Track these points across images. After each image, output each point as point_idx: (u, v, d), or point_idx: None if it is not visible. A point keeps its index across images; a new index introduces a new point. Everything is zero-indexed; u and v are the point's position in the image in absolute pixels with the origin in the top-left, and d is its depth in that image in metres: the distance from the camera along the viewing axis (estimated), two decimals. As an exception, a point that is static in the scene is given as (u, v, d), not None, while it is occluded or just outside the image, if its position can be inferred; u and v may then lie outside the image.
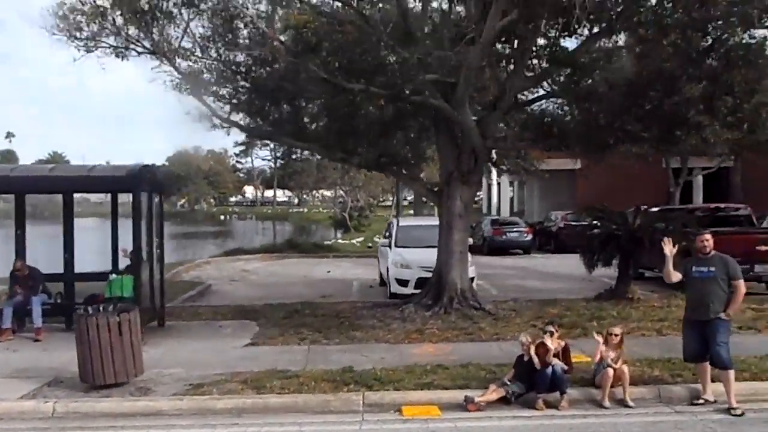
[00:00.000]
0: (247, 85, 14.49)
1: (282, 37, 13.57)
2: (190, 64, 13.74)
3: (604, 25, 11.76)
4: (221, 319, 14.74)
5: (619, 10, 10.76)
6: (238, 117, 15.36)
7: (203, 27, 13.93)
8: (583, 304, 15.38)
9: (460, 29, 13.39)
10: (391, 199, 58.60)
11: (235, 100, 14.76)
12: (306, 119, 16.63)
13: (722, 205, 21.35)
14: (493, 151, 17.22)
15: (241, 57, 14.34)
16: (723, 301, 8.83)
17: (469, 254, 17.34)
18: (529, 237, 31.22)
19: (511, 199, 57.89)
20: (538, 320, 13.54)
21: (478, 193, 79.25)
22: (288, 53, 12.52)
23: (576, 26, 11.45)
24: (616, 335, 9.24)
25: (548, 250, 31.65)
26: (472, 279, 16.59)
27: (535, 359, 8.92)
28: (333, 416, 8.85)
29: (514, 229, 31.55)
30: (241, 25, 14.12)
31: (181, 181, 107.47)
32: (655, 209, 19.69)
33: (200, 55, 14.14)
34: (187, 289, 19.31)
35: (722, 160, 36.26)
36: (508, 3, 11.40)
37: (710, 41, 11.44)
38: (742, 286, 8.89)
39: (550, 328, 9.21)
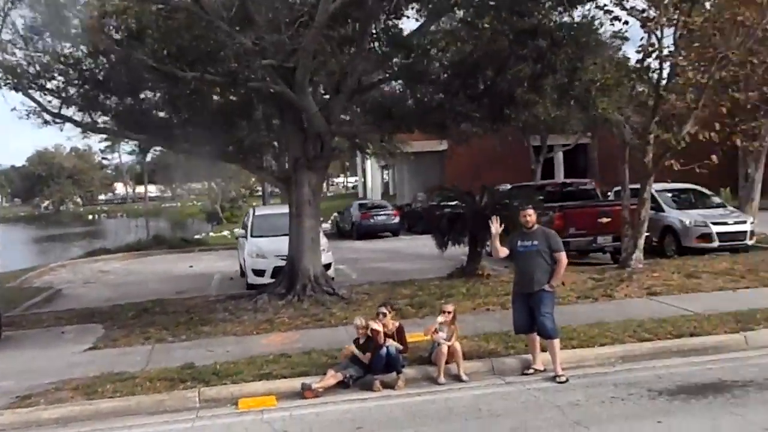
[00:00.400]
0: (77, 76, 13.77)
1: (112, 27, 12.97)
2: (6, 56, 12.88)
3: (431, 7, 11.87)
4: (65, 325, 14.06)
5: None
6: (71, 111, 14.60)
7: (23, 17, 13.11)
8: (436, 283, 15.65)
9: (296, 13, 13.22)
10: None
11: (65, 93, 14.00)
12: (157, 111, 16.07)
13: (569, 181, 22.30)
14: (358, 135, 17.18)
15: (69, 48, 13.60)
16: (547, 273, 9.13)
17: (326, 239, 17.37)
18: (397, 219, 31.59)
19: (386, 183, 58.52)
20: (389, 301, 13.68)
21: (353, 178, 79.70)
22: (112, 42, 11.97)
23: (403, 9, 11.53)
24: (448, 312, 9.39)
25: (416, 232, 32.07)
26: (329, 265, 16.60)
27: (360, 354, 9.01)
28: (167, 416, 8.59)
29: (382, 213, 31.85)
30: (69, 15, 13.38)
31: (43, 182, 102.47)
32: (507, 186, 20.34)
33: (24, 46, 13.29)
34: (34, 296, 18.32)
35: (578, 137, 37.95)
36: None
37: (535, 22, 11.75)
38: (563, 258, 9.19)
39: (383, 309, 9.26)
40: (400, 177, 49.31)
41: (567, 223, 17.41)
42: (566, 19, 12.89)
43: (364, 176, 61.60)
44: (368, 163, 55.39)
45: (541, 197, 19.45)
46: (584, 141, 40.19)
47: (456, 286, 14.99)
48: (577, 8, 11.88)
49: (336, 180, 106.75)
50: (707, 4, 16.35)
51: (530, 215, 9.25)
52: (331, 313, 13.13)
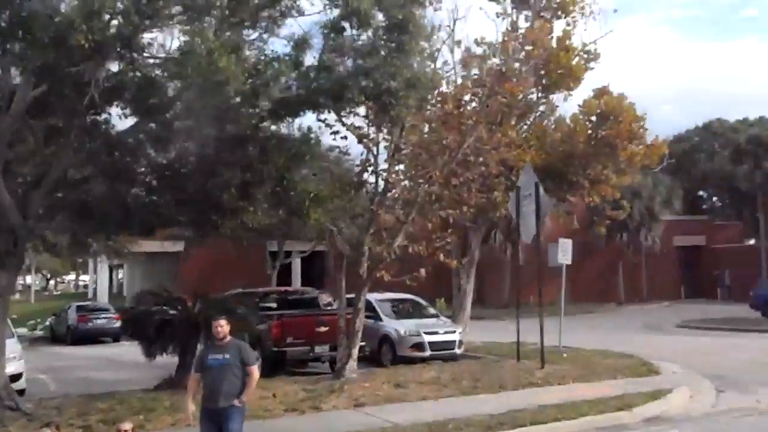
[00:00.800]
0: None
1: None
2: None
3: (133, 107, 11.41)
4: None
5: (133, 95, 10.54)
6: None
7: None
8: (140, 395, 14.50)
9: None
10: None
11: None
12: None
13: (291, 288, 22.41)
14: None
15: None
16: (237, 387, 8.68)
17: (19, 346, 15.76)
18: (118, 323, 29.67)
19: (121, 283, 55.48)
20: (80, 417, 12.45)
21: (86, 276, 74.46)
22: None
23: (104, 105, 11.03)
24: (126, 431, 8.58)
25: (139, 337, 30.33)
26: (18, 375, 14.93)
27: None
28: None
29: (102, 316, 29.98)
30: None
31: None
32: (234, 292, 19.88)
33: None
34: None
35: (314, 244, 38.80)
36: (37, 74, 10.55)
37: (244, 130, 11.73)
38: (255, 372, 8.84)
39: (46, 430, 8.27)
40: (132, 277, 46.95)
41: (285, 332, 17.28)
42: (284, 130, 13.09)
43: (96, 274, 57.91)
44: (98, 261, 52.21)
45: (267, 304, 19.27)
46: (321, 248, 41.15)
47: (160, 399, 13.95)
48: (289, 120, 12.07)
49: (66, 278, 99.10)
50: (426, 127, 17.68)
51: (222, 326, 8.82)
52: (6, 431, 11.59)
